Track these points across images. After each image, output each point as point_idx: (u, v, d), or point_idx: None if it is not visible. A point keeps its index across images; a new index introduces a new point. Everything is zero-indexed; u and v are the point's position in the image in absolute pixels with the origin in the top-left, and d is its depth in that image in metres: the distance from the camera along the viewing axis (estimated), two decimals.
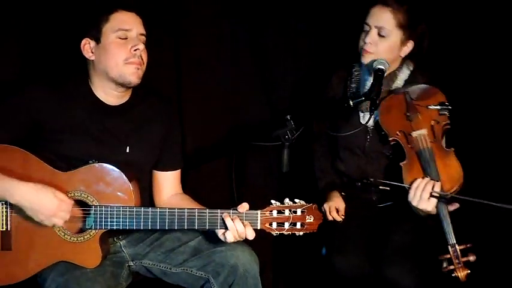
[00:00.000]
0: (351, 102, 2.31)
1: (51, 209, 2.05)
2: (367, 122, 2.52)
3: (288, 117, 2.26)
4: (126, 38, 2.19)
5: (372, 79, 2.43)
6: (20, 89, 2.20)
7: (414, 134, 2.39)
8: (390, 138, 2.43)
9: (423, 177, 2.30)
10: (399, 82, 2.54)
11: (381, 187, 2.41)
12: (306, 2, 2.97)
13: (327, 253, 2.46)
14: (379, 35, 2.42)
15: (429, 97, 2.44)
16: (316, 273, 2.80)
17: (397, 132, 2.42)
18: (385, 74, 2.45)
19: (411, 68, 2.56)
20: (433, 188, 2.27)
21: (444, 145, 2.42)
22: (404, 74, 2.55)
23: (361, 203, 2.64)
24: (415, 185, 2.29)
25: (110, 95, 2.26)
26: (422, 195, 2.27)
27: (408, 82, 2.53)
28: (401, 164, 2.37)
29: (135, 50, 2.19)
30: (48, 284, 2.10)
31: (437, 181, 2.28)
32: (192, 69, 2.93)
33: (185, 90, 2.94)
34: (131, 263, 2.35)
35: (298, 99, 3.02)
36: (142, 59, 2.22)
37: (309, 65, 3.04)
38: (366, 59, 2.46)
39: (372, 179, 2.43)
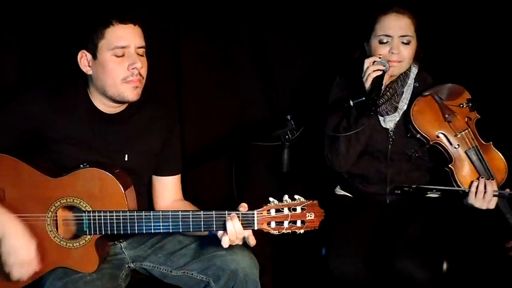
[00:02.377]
0: (351, 102, 2.30)
1: (23, 259, 2.02)
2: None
3: (288, 117, 2.24)
4: (123, 55, 2.12)
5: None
6: (17, 98, 2.16)
7: (459, 134, 2.42)
8: (431, 142, 2.44)
9: (478, 178, 2.37)
10: (410, 81, 2.55)
11: (429, 193, 2.46)
12: (306, 2, 2.95)
13: (325, 256, 2.45)
14: (402, 43, 2.43)
15: (458, 96, 2.48)
16: (316, 274, 2.79)
17: (438, 135, 2.43)
18: (399, 75, 2.51)
19: (417, 66, 2.58)
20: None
21: (480, 138, 2.46)
22: (413, 73, 2.57)
23: (366, 206, 2.65)
24: (473, 188, 2.36)
25: (107, 105, 2.21)
26: (486, 198, 2.34)
27: (417, 80, 2.56)
28: (450, 165, 2.42)
29: (133, 69, 2.13)
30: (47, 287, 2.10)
31: (493, 179, 2.37)
32: (192, 70, 2.92)
33: (185, 90, 2.93)
34: (131, 265, 2.35)
35: (299, 100, 3.01)
36: (141, 75, 2.15)
37: (310, 65, 3.03)
38: (395, 70, 2.46)
39: (414, 186, 2.48)
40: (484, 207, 2.35)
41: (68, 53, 2.18)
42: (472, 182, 2.38)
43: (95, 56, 2.12)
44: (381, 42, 2.44)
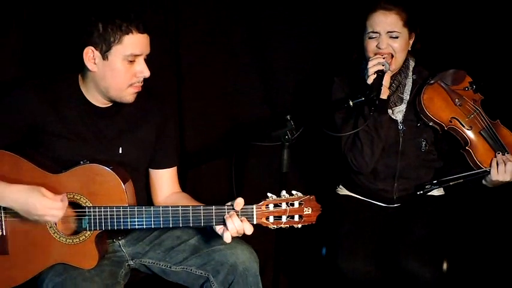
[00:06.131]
0: (351, 103, 2.31)
1: (41, 209, 2.04)
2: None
3: (288, 117, 2.24)
4: (133, 61, 2.14)
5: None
6: (8, 96, 2.17)
7: (471, 116, 2.50)
8: (446, 128, 2.51)
9: (495, 155, 2.46)
10: (410, 73, 2.62)
11: (451, 183, 2.53)
12: (307, 1, 2.96)
13: (333, 256, 2.46)
14: (391, 37, 2.48)
15: (462, 80, 2.55)
16: (317, 272, 2.79)
17: (451, 120, 2.50)
18: (399, 69, 2.57)
19: (414, 60, 2.65)
20: None
21: (488, 117, 2.54)
22: (411, 66, 2.64)
23: (371, 205, 2.69)
24: (494, 163, 2.44)
25: (100, 101, 2.23)
26: (507, 169, 2.42)
27: (414, 72, 2.62)
28: (467, 148, 2.50)
29: (141, 76, 2.17)
30: (46, 284, 2.10)
31: (508, 153, 2.47)
32: (192, 69, 2.92)
33: (185, 90, 2.93)
34: (131, 262, 2.35)
35: (299, 99, 3.01)
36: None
37: (310, 64, 3.03)
38: (393, 65, 2.51)
39: (434, 182, 2.57)
40: (508, 179, 2.43)
41: (70, 47, 2.19)
42: (491, 160, 2.45)
43: (105, 57, 2.11)
44: (370, 38, 2.50)
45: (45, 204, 2.04)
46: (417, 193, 2.58)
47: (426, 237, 2.46)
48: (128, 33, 2.09)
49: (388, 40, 2.47)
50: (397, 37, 2.47)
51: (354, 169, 2.61)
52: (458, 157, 2.53)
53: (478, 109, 2.51)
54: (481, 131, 2.49)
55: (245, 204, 2.10)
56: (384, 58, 2.44)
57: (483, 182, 2.50)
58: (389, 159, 2.61)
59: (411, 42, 2.56)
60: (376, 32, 2.48)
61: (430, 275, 2.33)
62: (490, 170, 2.44)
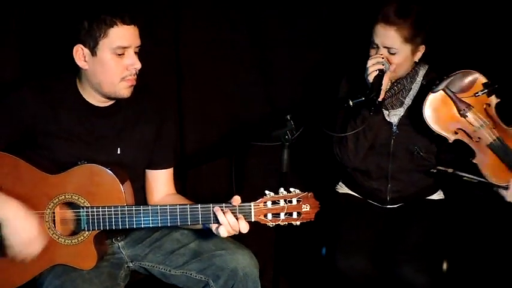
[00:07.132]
0: (351, 102, 2.30)
1: (25, 238, 2.01)
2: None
3: (288, 117, 2.24)
4: (123, 54, 2.12)
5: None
6: (5, 100, 2.17)
7: (476, 129, 2.33)
8: (450, 141, 2.37)
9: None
10: (419, 78, 2.57)
11: (465, 178, 2.35)
12: (308, 1, 2.96)
13: (331, 255, 2.46)
14: (389, 52, 2.44)
15: (471, 85, 2.35)
16: (317, 273, 2.79)
17: (456, 131, 2.36)
18: (405, 75, 2.53)
19: (426, 66, 2.60)
20: None
21: (502, 124, 2.36)
22: (422, 71, 2.58)
23: (370, 205, 2.70)
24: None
25: (98, 99, 2.22)
26: None
27: (425, 79, 2.55)
28: (474, 161, 2.34)
29: (132, 68, 2.15)
30: (45, 286, 2.10)
31: None
32: (192, 69, 2.92)
33: (185, 89, 2.93)
34: (130, 264, 2.35)
35: (299, 99, 3.01)
36: (136, 74, 2.17)
37: (310, 64, 3.03)
38: (394, 74, 2.49)
39: (450, 170, 2.38)
40: None
41: (65, 47, 2.17)
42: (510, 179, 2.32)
43: (93, 53, 2.11)
44: (372, 47, 2.49)
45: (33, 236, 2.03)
46: (430, 171, 2.45)
47: (422, 243, 2.44)
48: (112, 26, 2.08)
49: (386, 54, 2.44)
50: (394, 53, 2.43)
51: (337, 160, 2.60)
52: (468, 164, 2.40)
53: (488, 117, 2.33)
54: (490, 144, 2.32)
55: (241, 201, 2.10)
56: (383, 58, 2.42)
57: (494, 189, 2.38)
58: (380, 160, 2.61)
59: (419, 54, 2.49)
60: (375, 43, 2.45)
61: (425, 280, 2.32)
62: (506, 186, 2.32)
